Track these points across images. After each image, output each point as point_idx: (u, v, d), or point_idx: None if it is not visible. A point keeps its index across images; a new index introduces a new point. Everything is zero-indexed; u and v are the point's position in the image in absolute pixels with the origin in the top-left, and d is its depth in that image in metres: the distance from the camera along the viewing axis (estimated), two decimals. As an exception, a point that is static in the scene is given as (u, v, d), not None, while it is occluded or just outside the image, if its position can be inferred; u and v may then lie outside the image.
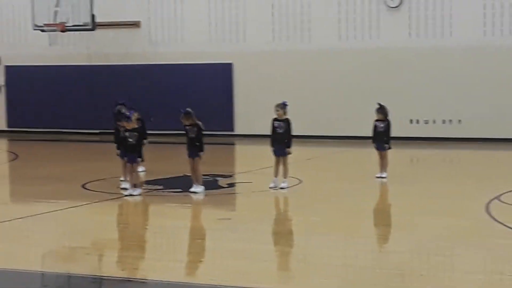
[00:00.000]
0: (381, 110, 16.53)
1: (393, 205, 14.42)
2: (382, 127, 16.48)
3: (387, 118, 16.52)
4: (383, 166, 16.39)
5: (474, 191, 15.02)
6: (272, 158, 15.37)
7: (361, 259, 10.06)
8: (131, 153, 14.73)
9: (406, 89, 23.38)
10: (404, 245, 10.55)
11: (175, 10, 25.84)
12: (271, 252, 10.52)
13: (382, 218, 13.22)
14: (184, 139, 14.98)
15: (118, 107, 16.03)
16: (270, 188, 14.97)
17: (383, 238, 11.56)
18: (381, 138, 16.46)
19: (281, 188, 14.93)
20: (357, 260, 9.98)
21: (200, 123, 14.76)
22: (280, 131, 15.19)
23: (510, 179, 16.31)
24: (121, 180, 15.42)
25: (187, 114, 14.73)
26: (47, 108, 26.95)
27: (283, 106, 15.24)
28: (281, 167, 15.16)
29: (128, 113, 14.87)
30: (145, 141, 15.38)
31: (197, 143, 14.71)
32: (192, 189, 14.71)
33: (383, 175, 16.27)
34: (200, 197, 14.53)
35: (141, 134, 14.97)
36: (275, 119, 15.24)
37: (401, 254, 10.08)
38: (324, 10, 24.21)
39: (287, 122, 15.19)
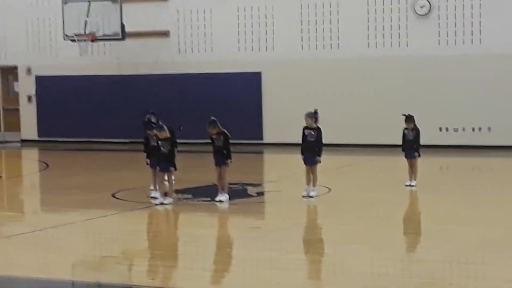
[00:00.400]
0: (410, 119, 16.51)
1: (423, 213, 14.36)
2: (411, 135, 16.46)
3: (416, 126, 16.50)
4: (413, 174, 16.35)
5: (505, 199, 14.92)
6: (301, 166, 15.36)
7: (390, 267, 10.03)
8: (164, 162, 14.76)
9: (435, 97, 23.29)
10: (434, 254, 10.50)
11: (204, 19, 25.93)
12: (301, 261, 10.51)
13: (411, 226, 13.16)
14: (212, 148, 15.00)
15: (148, 116, 16.08)
16: (302, 196, 14.95)
17: (413, 246, 11.52)
18: (411, 146, 16.43)
19: (310, 196, 14.92)
20: (386, 268, 9.95)
21: (225, 130, 14.77)
22: (311, 139, 15.17)
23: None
24: (151, 189, 15.47)
25: (212, 123, 14.76)
26: (77, 118, 27.11)
27: (312, 115, 15.23)
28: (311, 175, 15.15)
29: (160, 123, 14.93)
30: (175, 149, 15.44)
31: (224, 151, 14.73)
32: (217, 198, 14.73)
33: (413, 184, 16.22)
34: (225, 205, 14.55)
35: (173, 143, 15.00)
36: (306, 128, 15.24)
37: (431, 263, 10.03)
38: (352, 18, 24.19)
39: (317, 130, 15.17)
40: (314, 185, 15.09)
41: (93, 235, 12.41)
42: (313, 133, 15.15)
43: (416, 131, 16.50)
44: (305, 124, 15.24)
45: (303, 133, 15.23)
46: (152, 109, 16.74)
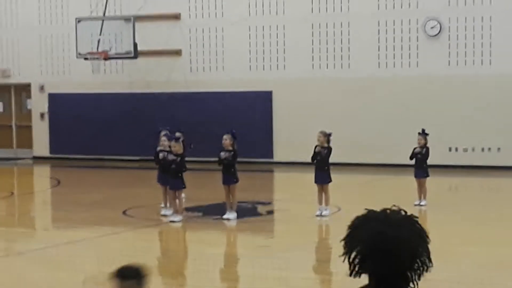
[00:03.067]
0: (423, 134, 16.63)
1: (432, 233, 14.26)
2: (421, 154, 16.54)
3: (427, 145, 16.61)
4: (422, 193, 16.43)
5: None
6: (311, 185, 15.42)
7: (399, 287, 10.07)
8: (174, 179, 14.79)
9: (445, 117, 23.34)
10: (442, 273, 10.53)
11: (216, 38, 26.08)
12: (310, 280, 10.56)
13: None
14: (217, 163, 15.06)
15: (162, 133, 16.08)
16: (316, 215, 14.99)
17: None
18: (420, 165, 16.50)
19: (322, 215, 14.98)
20: (395, 288, 9.99)
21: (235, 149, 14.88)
22: (320, 158, 15.25)
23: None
24: (161, 207, 15.55)
25: (232, 134, 14.88)
26: (89, 135, 27.24)
27: (326, 134, 15.29)
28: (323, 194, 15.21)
29: (178, 134, 15.02)
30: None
31: (232, 170, 14.80)
32: (225, 216, 14.79)
33: (422, 203, 16.29)
34: (234, 223, 14.61)
35: (182, 160, 15.06)
36: (317, 146, 15.30)
37: (440, 282, 10.07)
38: (363, 38, 24.29)
39: (328, 150, 15.24)
40: (326, 204, 15.14)
41: (104, 252, 12.49)
42: (324, 151, 15.20)
43: (426, 149, 16.62)
44: (317, 143, 15.29)
45: (314, 150, 15.28)
46: (166, 127, 16.75)
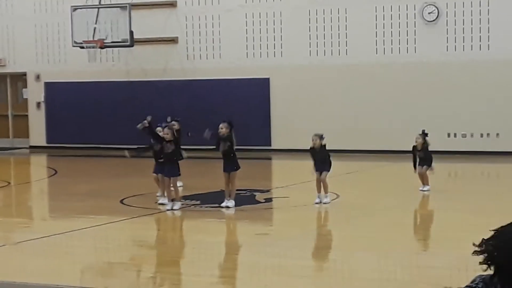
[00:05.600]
0: (421, 135, 16.47)
1: (431, 219, 14.34)
2: (421, 153, 16.42)
3: (425, 145, 16.44)
4: (424, 181, 16.40)
5: (514, 205, 14.88)
6: (310, 172, 15.35)
7: (400, 274, 10.02)
8: (168, 167, 14.76)
9: (444, 103, 23.27)
10: (442, 260, 10.49)
11: (212, 26, 25.98)
12: (309, 267, 10.50)
13: (421, 232, 13.15)
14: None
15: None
16: (315, 203, 14.94)
17: (421, 253, 11.50)
18: (422, 164, 16.40)
19: (323, 203, 14.92)
20: (396, 275, 9.94)
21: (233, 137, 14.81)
22: (319, 156, 15.27)
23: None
24: (158, 196, 15.48)
25: (229, 122, 14.79)
26: (86, 124, 27.17)
27: (320, 137, 15.28)
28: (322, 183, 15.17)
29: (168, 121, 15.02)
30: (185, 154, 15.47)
31: (232, 156, 14.75)
32: (223, 204, 14.73)
33: (425, 189, 16.26)
34: (231, 212, 14.55)
35: (177, 148, 15.02)
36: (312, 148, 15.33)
37: (440, 269, 10.02)
38: (360, 24, 24.20)
39: (323, 148, 15.27)
40: (326, 192, 15.08)
41: (102, 242, 12.42)
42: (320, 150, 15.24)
43: (427, 152, 16.42)
44: (311, 145, 15.29)
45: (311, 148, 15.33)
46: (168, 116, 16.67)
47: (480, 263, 3.95)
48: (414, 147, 16.53)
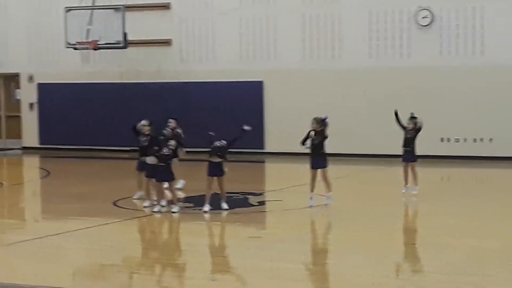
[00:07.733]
0: (411, 119, 16.57)
1: (423, 224, 14.34)
2: (410, 134, 16.47)
3: (416, 128, 16.51)
4: (414, 179, 16.33)
5: (506, 210, 14.90)
6: (303, 175, 15.33)
7: (391, 278, 10.02)
8: (164, 170, 14.80)
9: (437, 107, 23.29)
10: (433, 265, 10.50)
11: (206, 28, 25.96)
12: (302, 271, 10.51)
13: (412, 237, 13.16)
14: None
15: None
16: (308, 207, 14.89)
17: (413, 257, 11.51)
18: (408, 145, 16.38)
19: (325, 204, 14.88)
20: (387, 279, 9.94)
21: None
22: (316, 142, 15.07)
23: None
24: (136, 198, 15.70)
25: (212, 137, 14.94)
26: (79, 126, 27.13)
27: (320, 121, 15.13)
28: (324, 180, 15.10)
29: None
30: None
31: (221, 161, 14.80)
32: (223, 206, 14.76)
33: (414, 191, 16.21)
34: (224, 214, 14.55)
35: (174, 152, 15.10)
36: (312, 130, 15.11)
37: (430, 274, 10.03)
38: (354, 29, 24.22)
39: (322, 134, 15.07)
40: (330, 191, 15.04)
41: (94, 243, 12.40)
42: (318, 136, 15.02)
43: (416, 131, 16.52)
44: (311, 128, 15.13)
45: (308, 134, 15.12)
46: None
47: None
48: (405, 127, 16.62)
